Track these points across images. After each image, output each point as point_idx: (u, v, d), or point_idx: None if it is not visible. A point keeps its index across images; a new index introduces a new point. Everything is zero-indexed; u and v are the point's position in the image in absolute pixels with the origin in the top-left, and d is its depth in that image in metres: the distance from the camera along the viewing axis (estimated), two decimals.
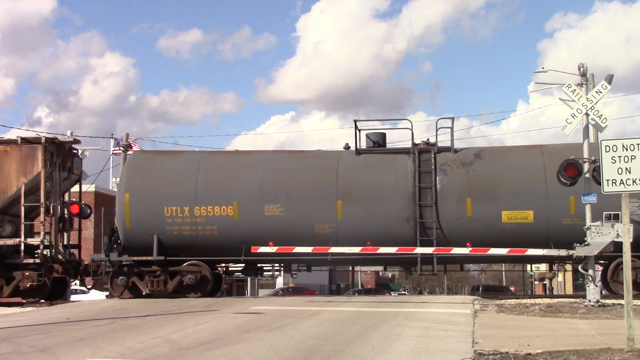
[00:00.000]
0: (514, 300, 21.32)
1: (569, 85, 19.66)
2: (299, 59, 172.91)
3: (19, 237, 23.42)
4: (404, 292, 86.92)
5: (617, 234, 18.28)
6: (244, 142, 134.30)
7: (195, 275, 22.97)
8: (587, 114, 19.46)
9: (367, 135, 23.83)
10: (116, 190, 26.38)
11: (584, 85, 20.19)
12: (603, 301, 19.03)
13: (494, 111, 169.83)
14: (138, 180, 23.44)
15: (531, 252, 20.81)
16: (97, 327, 14.22)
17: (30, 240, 23.47)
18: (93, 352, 11.07)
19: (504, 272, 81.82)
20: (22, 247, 23.29)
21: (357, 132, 23.67)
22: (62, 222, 24.59)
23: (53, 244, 23.53)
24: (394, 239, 22.01)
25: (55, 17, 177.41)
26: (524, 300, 20.72)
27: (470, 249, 21.18)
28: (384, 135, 24.06)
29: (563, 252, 19.94)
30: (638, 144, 11.48)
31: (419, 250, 21.55)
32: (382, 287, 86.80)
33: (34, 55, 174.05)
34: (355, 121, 23.76)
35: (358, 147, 23.54)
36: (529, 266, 37.36)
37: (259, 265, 24.24)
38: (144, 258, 22.99)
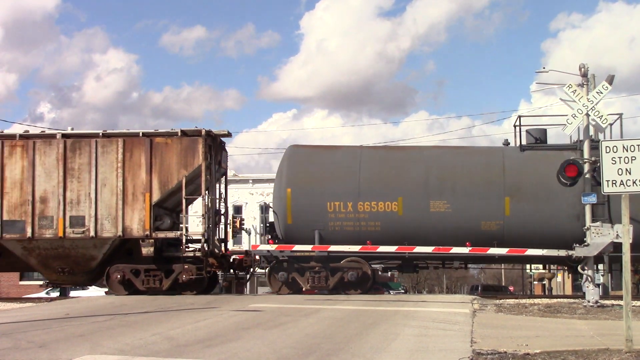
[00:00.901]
0: (513, 300, 21.36)
1: (570, 86, 19.69)
2: (303, 57, 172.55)
3: (175, 230, 23.30)
4: (402, 291, 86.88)
5: (617, 235, 18.32)
6: (245, 139, 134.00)
7: (357, 272, 22.81)
8: (587, 115, 19.49)
9: (527, 132, 23.60)
10: None
11: (584, 86, 20.24)
12: (602, 302, 19.07)
13: (496, 110, 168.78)
14: (300, 175, 23.36)
15: (530, 252, 20.85)
16: (96, 324, 14.22)
17: (192, 233, 23.27)
18: (92, 348, 11.07)
19: (503, 272, 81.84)
20: (184, 240, 23.07)
21: (519, 128, 23.44)
22: (217, 215, 24.51)
23: (210, 237, 23.43)
24: (562, 236, 21.73)
25: (59, 12, 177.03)
26: (523, 300, 20.75)
27: (470, 248, 21.22)
28: (544, 131, 23.84)
29: (562, 253, 19.98)
30: (638, 145, 11.49)
31: (420, 249, 21.53)
32: (381, 286, 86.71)
33: (37, 51, 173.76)
34: (519, 117, 23.78)
35: (520, 143, 23.39)
36: (527, 265, 37.37)
37: (414, 262, 23.79)
38: (308, 253, 22.64)
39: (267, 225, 24.38)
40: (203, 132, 23.19)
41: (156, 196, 23.03)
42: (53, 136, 23.59)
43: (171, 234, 23.23)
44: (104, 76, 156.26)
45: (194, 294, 22.92)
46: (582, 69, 20.76)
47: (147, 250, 22.93)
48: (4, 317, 15.91)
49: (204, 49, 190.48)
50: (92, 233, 22.94)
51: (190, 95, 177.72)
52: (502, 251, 21.15)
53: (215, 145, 24.06)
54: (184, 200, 23.13)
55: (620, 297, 16.36)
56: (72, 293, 36.55)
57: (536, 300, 20.72)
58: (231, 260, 24.64)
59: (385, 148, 24.66)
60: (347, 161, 23.57)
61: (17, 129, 31.34)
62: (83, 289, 37.38)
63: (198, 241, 23.23)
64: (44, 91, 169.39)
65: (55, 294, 36.93)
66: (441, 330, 13.39)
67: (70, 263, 23.49)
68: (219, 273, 26.38)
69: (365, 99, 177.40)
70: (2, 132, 23.91)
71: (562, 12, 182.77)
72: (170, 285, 23.16)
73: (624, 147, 11.52)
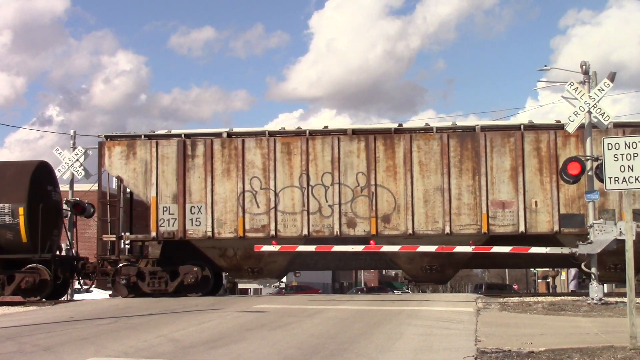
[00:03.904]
0: (517, 298, 21.33)
1: (572, 83, 19.67)
2: (312, 57, 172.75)
3: None
4: (407, 291, 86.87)
5: (620, 232, 18.30)
6: None
7: None
8: (589, 112, 19.47)
9: None
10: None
11: (586, 83, 20.22)
12: (606, 299, 19.06)
13: (504, 108, 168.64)
14: None
15: (534, 250, 20.82)
16: (101, 326, 14.24)
17: None
18: (97, 350, 11.09)
19: (507, 270, 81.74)
20: None
21: None
22: None
23: None
24: None
25: (68, 15, 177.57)
26: (527, 299, 20.72)
27: (474, 247, 21.19)
28: None
29: (566, 250, 19.94)
30: None
31: (423, 248, 21.49)
32: (385, 285, 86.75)
33: (46, 54, 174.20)
34: None
35: None
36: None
37: None
38: None
39: None
40: None
41: None
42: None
43: None
44: (113, 78, 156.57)
45: None
46: (584, 67, 20.78)
47: None
48: (9, 321, 15.93)
49: (213, 49, 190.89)
50: None
51: (198, 97, 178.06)
52: (506, 249, 21.09)
53: None
54: None
55: (623, 294, 16.35)
56: (76, 296, 36.55)
57: (540, 299, 20.69)
58: None
59: None
60: None
61: (22, 133, 31.26)
62: (87, 292, 37.34)
63: None
64: (53, 94, 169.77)
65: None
66: (445, 329, 13.39)
67: None
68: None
69: (374, 98, 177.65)
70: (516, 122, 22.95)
71: (572, 8, 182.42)
72: None
73: (626, 143, 11.51)
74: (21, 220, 22.86)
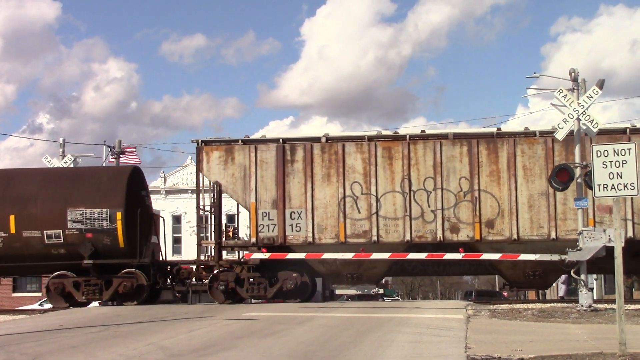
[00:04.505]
0: (507, 305, 21.35)
1: (560, 91, 19.76)
2: (303, 64, 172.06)
3: None
4: (397, 298, 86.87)
5: (609, 239, 18.37)
6: None
7: None
8: (578, 119, 19.56)
9: None
10: None
11: (575, 90, 20.32)
12: (595, 306, 19.11)
13: (496, 115, 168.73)
14: None
15: (524, 257, 20.88)
16: (90, 335, 14.18)
17: None
18: (85, 359, 11.04)
19: (497, 277, 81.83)
20: None
21: None
22: None
23: None
24: None
25: (59, 23, 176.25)
26: (517, 306, 20.76)
27: (463, 254, 21.23)
28: None
29: (555, 257, 20.00)
30: (629, 149, 11.54)
31: (412, 256, 21.53)
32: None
33: (37, 61, 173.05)
34: None
35: None
36: None
37: None
38: None
39: None
40: None
41: None
42: None
43: None
44: (104, 86, 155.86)
45: None
46: (573, 74, 20.88)
47: None
48: None
49: (204, 57, 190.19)
50: None
51: (189, 104, 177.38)
52: (495, 256, 21.17)
53: None
54: None
55: (613, 301, 16.41)
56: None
57: (530, 305, 20.73)
58: None
59: None
60: None
61: (12, 140, 31.14)
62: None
63: None
64: (43, 101, 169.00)
65: (49, 305, 36.72)
66: (435, 336, 13.40)
67: None
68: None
69: (366, 105, 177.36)
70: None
71: (563, 16, 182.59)
72: None
73: (614, 151, 11.57)
74: (119, 225, 22.71)
